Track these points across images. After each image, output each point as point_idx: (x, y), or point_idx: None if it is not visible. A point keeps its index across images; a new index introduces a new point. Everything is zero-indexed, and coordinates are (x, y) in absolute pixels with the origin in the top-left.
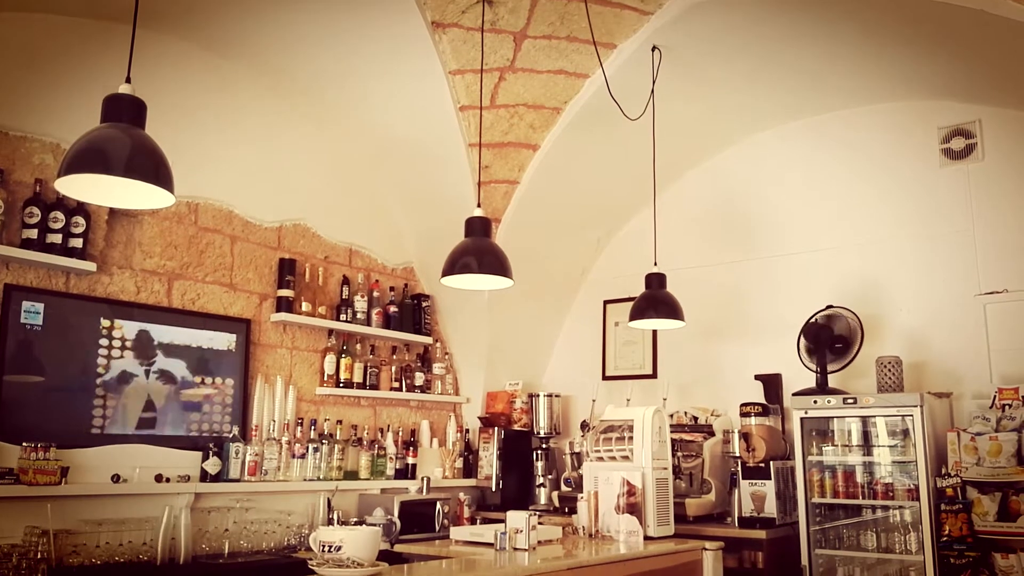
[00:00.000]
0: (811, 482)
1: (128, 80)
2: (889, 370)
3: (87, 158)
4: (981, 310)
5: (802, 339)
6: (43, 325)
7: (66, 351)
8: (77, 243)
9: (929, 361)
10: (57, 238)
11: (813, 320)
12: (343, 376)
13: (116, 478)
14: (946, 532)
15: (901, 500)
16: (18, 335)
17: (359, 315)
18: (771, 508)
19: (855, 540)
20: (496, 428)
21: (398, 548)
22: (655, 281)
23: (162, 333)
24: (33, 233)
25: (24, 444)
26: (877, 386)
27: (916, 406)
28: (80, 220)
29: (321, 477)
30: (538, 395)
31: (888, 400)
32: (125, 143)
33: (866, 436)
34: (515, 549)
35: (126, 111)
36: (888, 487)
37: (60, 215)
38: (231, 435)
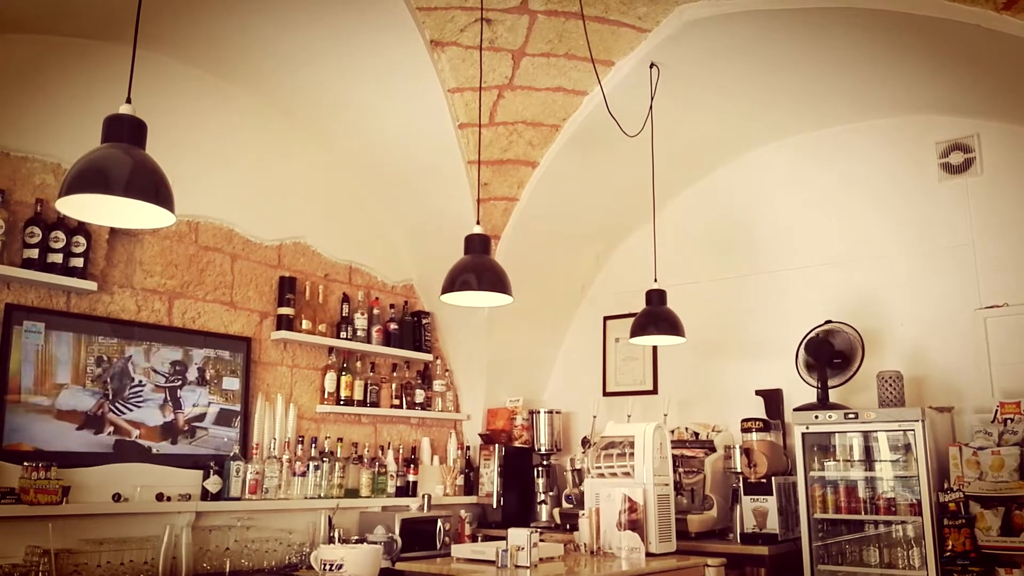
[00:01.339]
0: (813, 497)
1: (128, 100)
2: (890, 385)
3: (88, 178)
4: (982, 324)
5: (801, 355)
6: (44, 344)
7: (67, 370)
8: (78, 262)
9: (930, 375)
10: (58, 258)
11: (812, 335)
12: (343, 394)
13: (117, 497)
14: (949, 547)
15: (903, 515)
16: (19, 354)
17: (359, 332)
18: (773, 524)
19: (858, 556)
20: (497, 445)
21: (399, 566)
22: (655, 297)
23: (164, 351)
24: (34, 253)
25: (25, 463)
26: (878, 401)
27: (917, 421)
28: (81, 240)
29: (322, 495)
30: (539, 412)
31: (889, 415)
32: (126, 163)
33: (868, 451)
34: (516, 566)
35: (127, 131)
36: (890, 502)
37: (61, 235)
38: (232, 453)
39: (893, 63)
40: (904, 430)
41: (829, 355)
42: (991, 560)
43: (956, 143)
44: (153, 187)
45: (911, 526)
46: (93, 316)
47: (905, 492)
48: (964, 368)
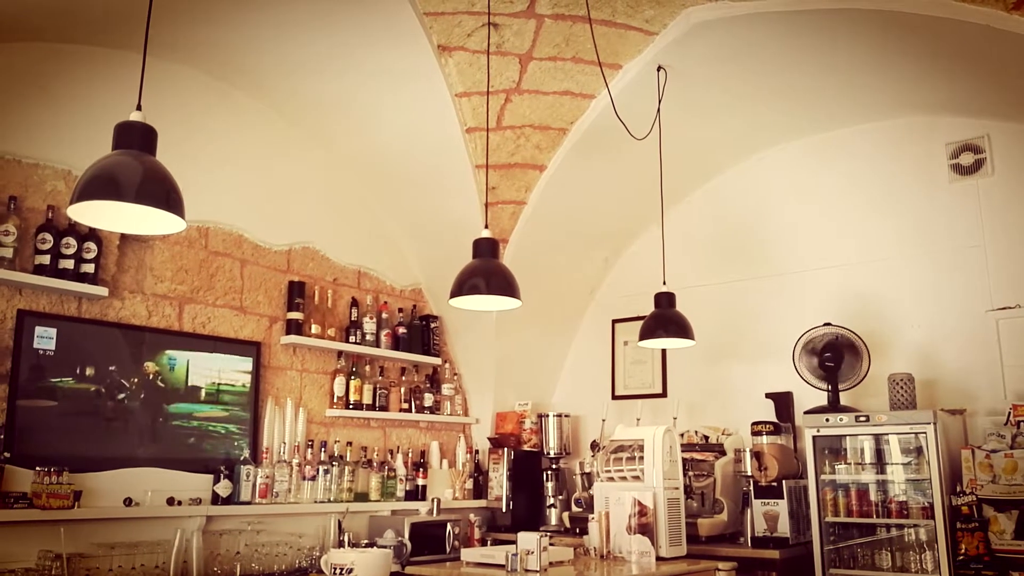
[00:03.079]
0: (824, 501)
1: (139, 107)
2: (901, 387)
3: (99, 185)
4: (994, 326)
5: (798, 356)
6: (55, 350)
7: (78, 376)
8: (89, 268)
9: (942, 378)
10: (69, 264)
11: (807, 338)
12: (353, 398)
13: (128, 501)
14: (962, 551)
15: (916, 518)
16: (31, 360)
17: (368, 337)
18: (784, 527)
19: (870, 559)
20: (506, 449)
21: (409, 570)
22: (664, 300)
23: (173, 356)
24: (46, 259)
25: (37, 468)
26: (889, 403)
27: (929, 423)
28: (92, 246)
29: (332, 499)
30: (547, 415)
31: (901, 418)
32: (136, 169)
33: (879, 454)
34: (526, 571)
35: (137, 138)
36: (902, 505)
37: (72, 241)
38: (242, 458)
39: (902, 64)
40: (916, 433)
41: (821, 359)
42: (1005, 564)
43: (966, 144)
44: (164, 193)
45: (923, 529)
46: (104, 321)
47: (917, 495)
48: (976, 370)
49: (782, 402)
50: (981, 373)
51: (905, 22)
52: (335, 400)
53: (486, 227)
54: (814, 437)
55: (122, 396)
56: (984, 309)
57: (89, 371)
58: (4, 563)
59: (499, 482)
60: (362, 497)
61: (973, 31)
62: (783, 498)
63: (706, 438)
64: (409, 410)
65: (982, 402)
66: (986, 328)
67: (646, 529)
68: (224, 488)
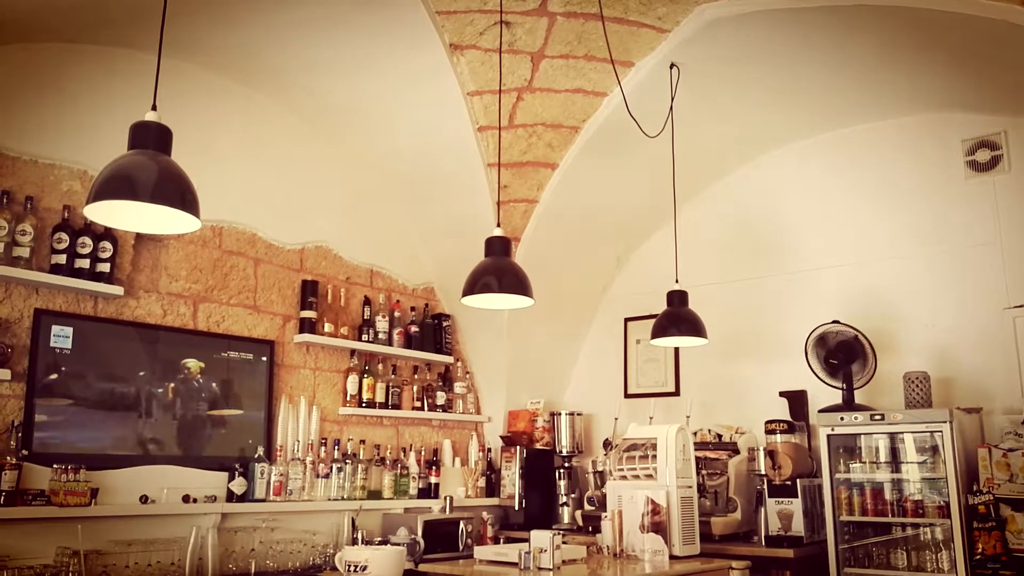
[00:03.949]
0: (839, 499)
1: (154, 108)
2: (917, 386)
3: (115, 185)
4: (1010, 324)
5: (810, 356)
6: (72, 349)
7: (94, 374)
8: (104, 268)
9: (957, 376)
10: (85, 263)
11: (816, 337)
12: (365, 396)
13: (144, 499)
14: (979, 550)
15: (931, 518)
16: (48, 358)
17: (380, 335)
18: (798, 526)
19: (885, 558)
20: (518, 447)
21: (422, 567)
22: (677, 298)
23: (189, 355)
24: (62, 258)
25: (55, 466)
26: (905, 402)
27: (945, 422)
28: (107, 245)
29: (345, 497)
30: (560, 413)
31: (916, 416)
32: (152, 169)
33: (894, 453)
34: (539, 569)
35: (152, 138)
36: (918, 504)
37: (88, 240)
38: (256, 455)
39: (917, 60)
40: (931, 431)
41: (825, 356)
42: (1023, 564)
43: (983, 140)
44: (179, 193)
45: (939, 529)
46: (120, 320)
47: (933, 494)
48: (993, 368)
49: (796, 400)
50: (998, 371)
51: (920, 18)
52: (348, 398)
53: (498, 225)
54: (829, 436)
55: (137, 394)
56: (1001, 307)
57: (105, 369)
58: (23, 559)
59: (511, 480)
60: (375, 495)
61: (990, 26)
62: (797, 497)
63: (719, 436)
64: (422, 408)
65: (999, 400)
66: (1002, 326)
67: (659, 528)
68: (239, 486)
